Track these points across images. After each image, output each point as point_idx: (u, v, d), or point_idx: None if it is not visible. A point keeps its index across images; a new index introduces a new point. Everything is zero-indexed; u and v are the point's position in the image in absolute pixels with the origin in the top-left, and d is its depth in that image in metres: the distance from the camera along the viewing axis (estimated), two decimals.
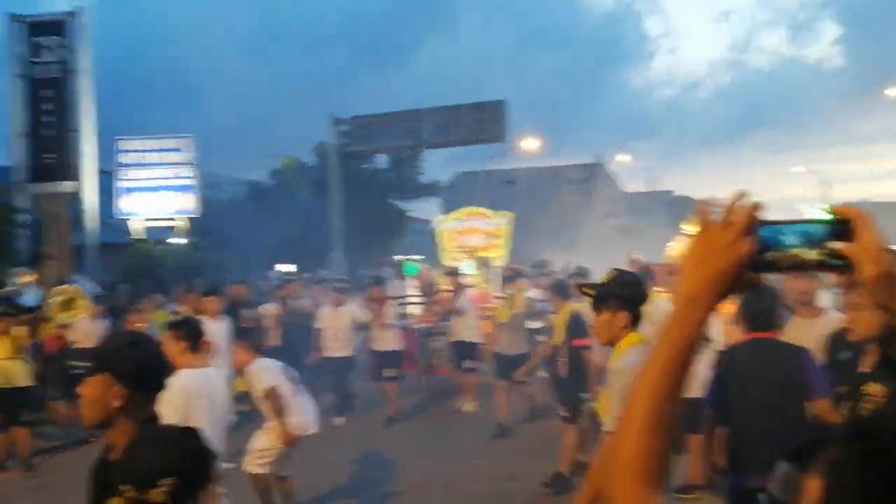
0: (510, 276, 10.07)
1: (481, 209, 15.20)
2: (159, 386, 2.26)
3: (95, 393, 2.15)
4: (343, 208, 24.12)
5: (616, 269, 3.69)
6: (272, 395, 5.70)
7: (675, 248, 11.28)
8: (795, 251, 1.01)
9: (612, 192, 49.49)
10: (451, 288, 10.91)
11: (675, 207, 54.35)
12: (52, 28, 16.00)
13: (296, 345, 11.23)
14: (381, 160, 29.30)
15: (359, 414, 10.15)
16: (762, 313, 3.94)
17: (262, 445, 5.87)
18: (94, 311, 9.78)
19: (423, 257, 21.89)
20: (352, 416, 10.02)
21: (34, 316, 8.71)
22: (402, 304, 12.43)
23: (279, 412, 5.72)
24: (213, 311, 8.74)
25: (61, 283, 10.98)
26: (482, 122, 22.04)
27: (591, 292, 3.59)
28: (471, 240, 14.64)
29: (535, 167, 43.42)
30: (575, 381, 7.08)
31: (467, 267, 13.24)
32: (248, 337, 6.42)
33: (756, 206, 1.03)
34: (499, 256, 14.37)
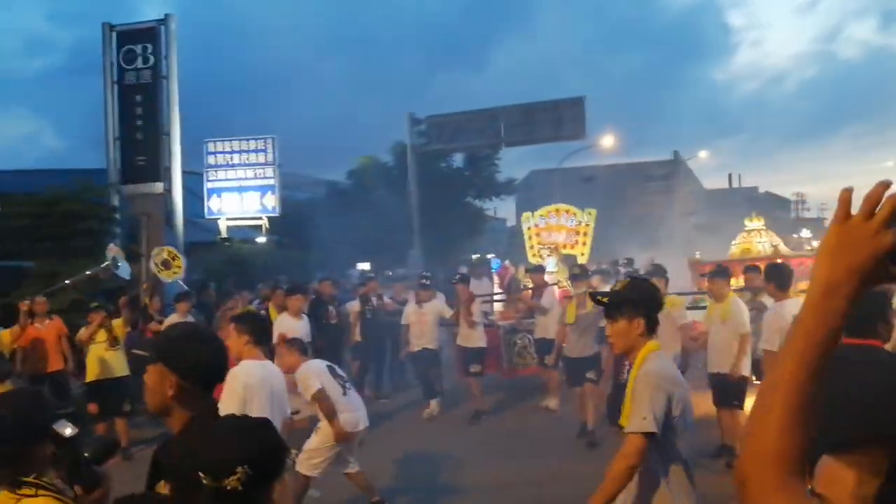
0: (578, 275, 9.58)
1: (567, 206, 15.03)
2: (214, 379, 2.29)
3: (152, 381, 2.22)
4: (420, 207, 24.24)
5: (630, 276, 3.56)
6: (320, 396, 5.85)
7: (740, 244, 11.00)
8: None
9: (693, 189, 48.19)
10: (534, 285, 10.82)
11: (760, 204, 52.68)
12: (142, 36, 16.60)
13: (379, 341, 11.33)
14: (458, 159, 29.35)
15: (445, 409, 10.17)
16: (863, 317, 3.62)
17: (313, 445, 6.00)
18: (185, 308, 10.07)
19: (492, 255, 21.82)
20: (440, 406, 10.09)
21: (130, 297, 9.08)
22: (486, 301, 12.39)
23: (329, 413, 5.87)
24: (295, 308, 8.88)
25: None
26: (561, 119, 21.81)
27: (605, 300, 3.45)
28: (555, 237, 14.57)
29: (614, 164, 42.70)
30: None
31: (551, 264, 13.17)
32: (296, 343, 6.47)
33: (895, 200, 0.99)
34: (583, 254, 14.30)
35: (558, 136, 22.69)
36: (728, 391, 7.29)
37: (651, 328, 3.34)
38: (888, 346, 6.00)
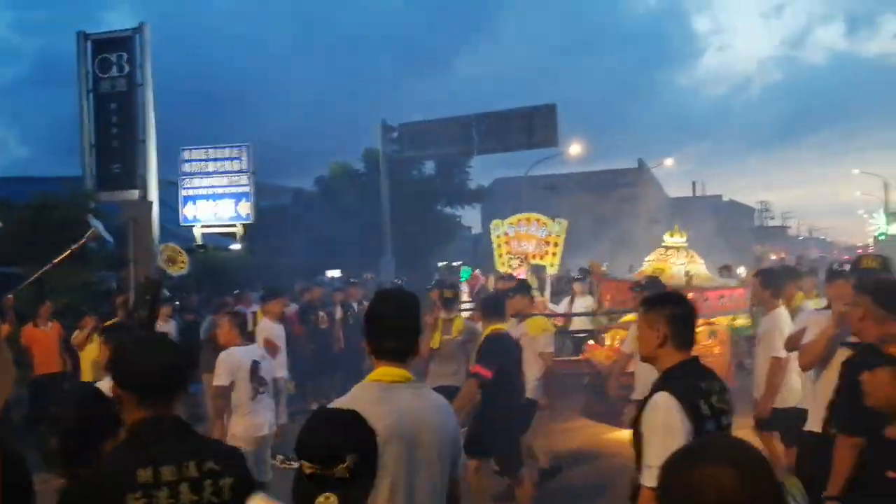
0: (450, 299, 7.63)
1: (538, 215, 14.85)
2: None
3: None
4: (392, 214, 24.47)
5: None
6: (218, 394, 5.59)
7: (654, 262, 9.31)
8: None
9: (657, 197, 49.11)
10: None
11: (723, 212, 53.78)
12: (117, 44, 16.66)
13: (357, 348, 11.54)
14: (429, 166, 29.64)
15: None
16: None
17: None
18: (166, 313, 10.17)
19: (460, 263, 22.01)
20: None
21: (126, 297, 9.29)
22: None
23: (217, 412, 5.69)
24: (274, 313, 8.79)
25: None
26: (533, 126, 22.22)
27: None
28: (525, 246, 14.30)
29: (579, 172, 43.36)
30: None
31: (520, 274, 12.74)
32: (237, 319, 6.03)
33: None
34: (552, 265, 14.12)
35: (531, 144, 23.10)
36: None
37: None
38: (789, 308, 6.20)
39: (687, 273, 8.59)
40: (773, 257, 25.62)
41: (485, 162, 31.09)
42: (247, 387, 5.62)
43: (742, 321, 8.80)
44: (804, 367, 4.68)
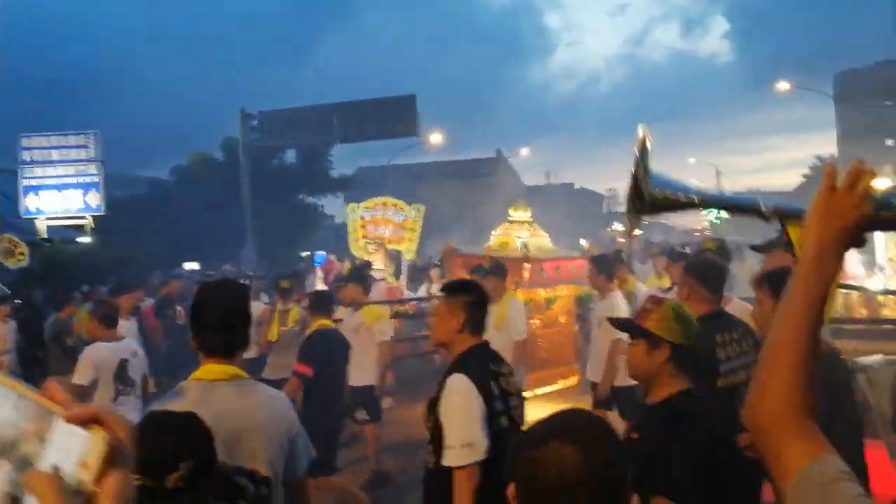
0: (287, 290, 7.56)
1: (395, 200, 14.74)
2: None
3: None
4: (253, 204, 24.01)
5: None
6: (76, 392, 5.05)
7: (500, 235, 9.49)
8: None
9: (514, 185, 50.78)
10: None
11: (575, 199, 56.34)
12: None
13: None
14: (290, 155, 29.25)
15: None
16: None
17: None
18: (2, 312, 9.54)
19: (324, 253, 21.92)
20: None
21: None
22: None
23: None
24: (124, 309, 8.43)
25: None
26: (394, 116, 22.46)
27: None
28: (382, 231, 14.09)
29: (439, 161, 44.11)
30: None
31: (378, 262, 12.51)
32: (103, 309, 5.59)
33: (874, 173, 1.14)
34: (409, 250, 14.02)
35: (391, 133, 23.32)
36: None
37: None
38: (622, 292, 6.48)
39: (524, 245, 8.78)
40: (622, 240, 27.20)
41: (348, 151, 31.08)
42: (109, 387, 5.20)
43: (588, 290, 8.85)
44: None
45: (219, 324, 2.39)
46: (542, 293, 8.83)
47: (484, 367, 2.93)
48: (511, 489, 1.36)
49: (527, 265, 8.59)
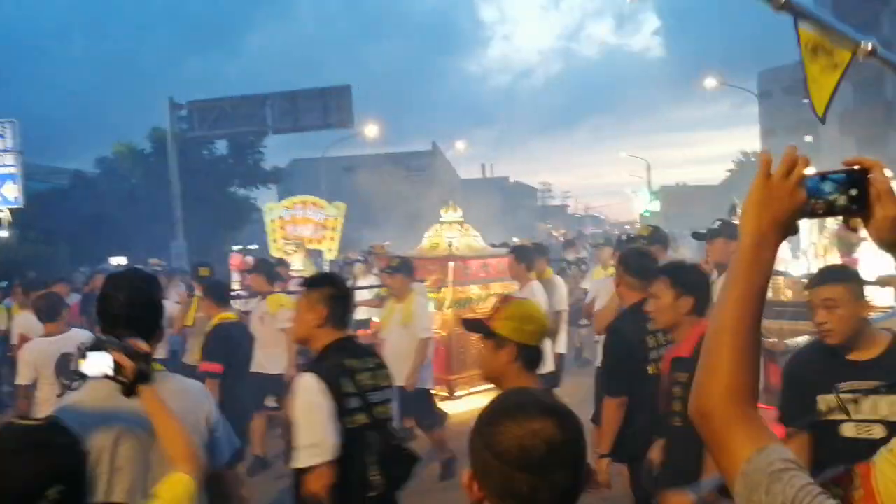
0: (204, 277, 7.43)
1: (315, 198, 14.43)
2: None
3: None
4: (182, 196, 23.36)
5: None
6: (22, 395, 4.95)
7: (431, 238, 9.57)
8: (830, 198, 1.14)
9: (450, 178, 50.89)
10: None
11: (510, 193, 56.87)
12: None
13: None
14: (221, 146, 28.57)
15: None
16: None
17: None
18: None
19: (257, 246, 21.50)
20: None
21: None
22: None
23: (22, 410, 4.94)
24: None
25: None
26: (328, 107, 22.14)
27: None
28: (301, 230, 13.65)
29: (374, 154, 43.84)
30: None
31: (297, 261, 12.11)
32: (48, 301, 5.27)
33: (807, 161, 1.15)
34: (330, 249, 13.68)
35: (326, 124, 22.98)
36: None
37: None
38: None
39: (449, 244, 9.04)
40: (555, 234, 27.57)
41: (282, 142, 30.56)
42: (53, 384, 4.86)
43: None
44: (598, 332, 4.88)
45: (126, 316, 2.30)
46: (472, 291, 8.86)
47: (338, 363, 2.85)
48: (467, 475, 1.34)
49: (451, 264, 8.70)
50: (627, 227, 48.71)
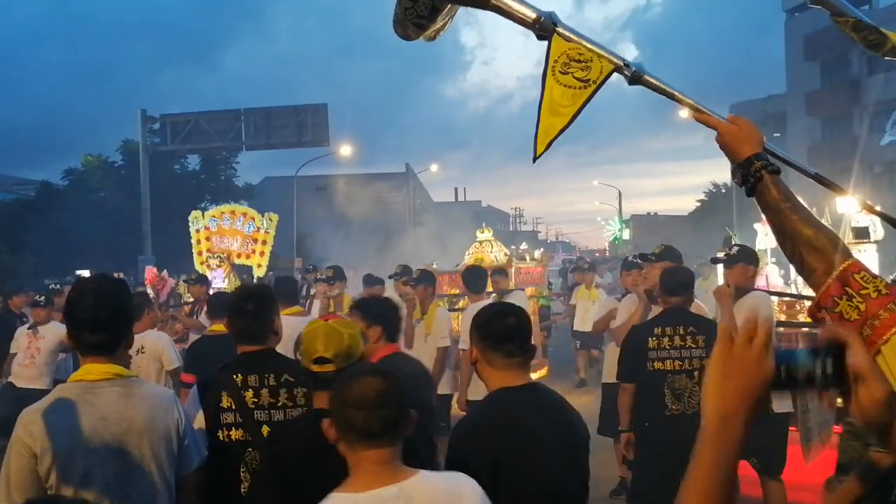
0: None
1: (245, 208, 13.24)
2: None
3: None
4: (152, 210, 23.09)
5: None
6: None
7: (473, 254, 10.67)
8: (805, 369, 1.03)
9: (423, 201, 51.01)
10: (194, 300, 9.35)
11: (483, 217, 57.00)
12: None
13: None
14: (193, 161, 28.35)
15: None
16: None
17: None
18: None
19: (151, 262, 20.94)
20: None
21: None
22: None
23: None
24: None
25: None
26: (304, 125, 22.09)
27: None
28: (228, 243, 12.35)
29: (347, 174, 43.78)
30: None
31: (219, 277, 11.20)
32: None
33: (770, 326, 1.04)
34: (260, 265, 12.42)
35: (300, 142, 22.91)
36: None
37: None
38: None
39: (506, 255, 10.80)
40: (528, 259, 27.53)
41: (254, 159, 30.43)
42: None
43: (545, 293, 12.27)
44: (619, 345, 4.92)
45: (93, 322, 2.29)
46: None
47: (227, 378, 2.78)
48: (327, 423, 1.87)
49: (511, 270, 9.85)
50: (597, 254, 49.43)
